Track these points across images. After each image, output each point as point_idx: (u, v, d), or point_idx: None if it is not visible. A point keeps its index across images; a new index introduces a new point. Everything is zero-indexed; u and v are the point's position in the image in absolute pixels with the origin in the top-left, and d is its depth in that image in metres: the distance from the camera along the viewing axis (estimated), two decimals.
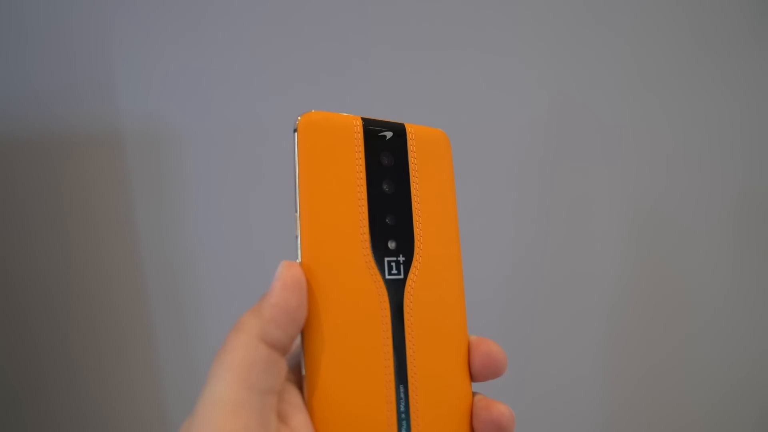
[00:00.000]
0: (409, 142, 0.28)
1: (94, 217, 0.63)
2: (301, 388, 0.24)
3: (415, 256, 0.27)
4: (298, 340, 0.25)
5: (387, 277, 0.26)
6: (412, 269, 0.27)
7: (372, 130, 0.27)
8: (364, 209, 0.26)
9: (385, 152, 0.27)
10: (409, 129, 0.28)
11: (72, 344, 0.63)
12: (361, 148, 0.26)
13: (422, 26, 0.70)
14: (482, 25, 0.72)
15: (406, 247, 0.27)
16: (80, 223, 0.63)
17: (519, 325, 0.77)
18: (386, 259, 0.26)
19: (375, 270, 0.26)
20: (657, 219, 0.80)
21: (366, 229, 0.26)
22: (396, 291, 0.26)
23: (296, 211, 0.25)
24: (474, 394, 0.28)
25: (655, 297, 0.81)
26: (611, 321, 0.80)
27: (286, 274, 0.23)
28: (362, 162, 0.26)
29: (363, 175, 0.26)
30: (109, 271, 0.64)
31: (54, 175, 0.62)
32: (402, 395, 0.25)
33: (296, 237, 0.25)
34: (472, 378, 0.28)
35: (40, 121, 0.61)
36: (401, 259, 0.26)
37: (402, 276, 0.26)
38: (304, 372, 0.24)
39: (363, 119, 0.27)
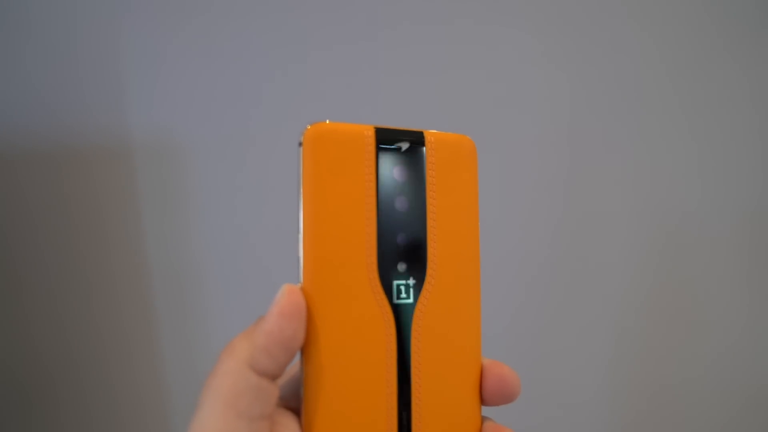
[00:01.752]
0: (428, 153, 0.26)
1: (102, 226, 0.64)
2: (298, 412, 0.24)
3: (428, 279, 0.25)
4: (297, 367, 0.24)
5: (395, 301, 0.25)
6: (423, 292, 0.25)
7: (386, 140, 0.25)
8: (373, 229, 0.24)
9: (400, 165, 0.25)
10: (428, 137, 0.26)
11: (78, 349, 0.65)
12: (373, 162, 0.24)
13: (429, 32, 0.67)
14: (495, 34, 0.69)
15: (418, 269, 0.25)
16: (89, 232, 0.64)
17: (526, 340, 0.74)
18: (395, 282, 0.25)
19: (381, 295, 0.24)
20: (670, 234, 0.76)
21: (374, 251, 0.24)
22: (404, 316, 0.25)
23: (299, 232, 0.24)
24: (484, 419, 0.27)
25: (668, 312, 0.77)
26: (621, 337, 0.77)
27: (286, 301, 0.22)
28: (373, 177, 0.24)
29: (373, 192, 0.24)
30: (116, 280, 0.65)
31: (63, 186, 0.63)
32: (405, 423, 0.25)
33: (298, 259, 0.24)
34: (484, 402, 0.27)
35: (50, 133, 0.62)
36: (411, 282, 0.25)
37: (411, 300, 0.25)
38: (302, 397, 0.24)
39: (376, 129, 0.25)
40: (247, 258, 0.66)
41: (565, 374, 0.76)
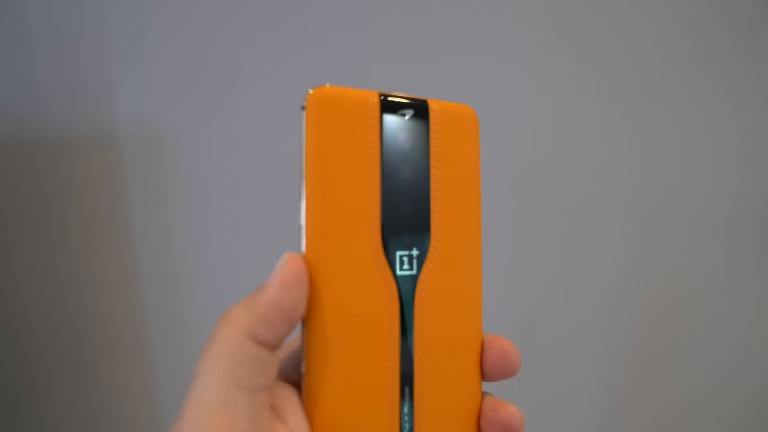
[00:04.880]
0: (432, 121, 0.25)
1: (89, 217, 0.62)
2: (299, 386, 0.23)
3: (431, 250, 0.25)
4: (297, 341, 0.24)
5: (398, 273, 0.24)
6: (426, 264, 0.25)
7: (390, 107, 0.24)
8: (377, 198, 0.24)
9: (405, 133, 0.24)
10: (432, 106, 0.25)
11: (66, 345, 0.63)
12: (377, 129, 0.24)
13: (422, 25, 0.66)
14: (491, 22, 0.67)
15: (421, 240, 0.25)
16: (76, 223, 0.62)
17: (521, 338, 0.73)
18: (398, 253, 0.24)
19: (385, 265, 0.24)
20: (669, 230, 0.74)
21: (377, 221, 0.24)
22: (407, 287, 0.24)
23: (301, 199, 0.23)
24: (484, 394, 0.26)
25: (666, 311, 0.76)
26: (615, 338, 0.76)
27: (288, 270, 0.21)
28: (377, 144, 0.24)
29: (378, 159, 0.24)
30: (104, 273, 0.63)
31: (49, 175, 0.61)
32: (407, 396, 0.24)
33: (300, 227, 0.23)
34: (485, 377, 0.26)
35: (37, 121, 0.60)
36: (414, 253, 0.24)
37: (414, 271, 0.24)
38: (303, 370, 0.23)
39: (381, 95, 0.24)
40: (237, 250, 0.65)
41: (559, 373, 0.75)
